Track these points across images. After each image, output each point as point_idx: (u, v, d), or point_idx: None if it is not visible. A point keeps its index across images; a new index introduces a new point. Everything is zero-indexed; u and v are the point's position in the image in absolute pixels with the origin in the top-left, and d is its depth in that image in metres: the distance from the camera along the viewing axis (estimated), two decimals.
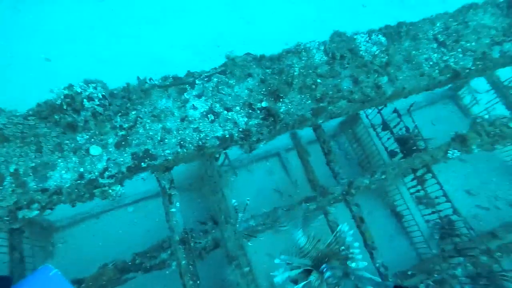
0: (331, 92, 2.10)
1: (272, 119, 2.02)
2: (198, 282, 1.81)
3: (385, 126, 3.30)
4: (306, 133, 3.84)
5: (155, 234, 3.49)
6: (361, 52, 2.31)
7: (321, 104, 2.10)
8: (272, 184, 3.88)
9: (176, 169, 3.62)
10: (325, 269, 1.97)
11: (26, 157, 1.79)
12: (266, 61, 2.24)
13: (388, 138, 3.41)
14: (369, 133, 3.79)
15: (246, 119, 1.99)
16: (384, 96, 2.26)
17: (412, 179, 3.21)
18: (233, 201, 2.47)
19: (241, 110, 2.02)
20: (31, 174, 1.75)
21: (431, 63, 2.28)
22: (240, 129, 1.96)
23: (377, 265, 2.46)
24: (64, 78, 2.14)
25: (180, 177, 3.73)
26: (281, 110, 2.06)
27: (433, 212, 3.04)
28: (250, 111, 2.01)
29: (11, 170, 1.75)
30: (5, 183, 1.71)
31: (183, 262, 1.82)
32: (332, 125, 4.36)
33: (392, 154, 3.34)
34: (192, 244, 2.36)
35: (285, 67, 2.18)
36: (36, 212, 1.73)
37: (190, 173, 3.63)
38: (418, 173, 3.12)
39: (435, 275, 2.57)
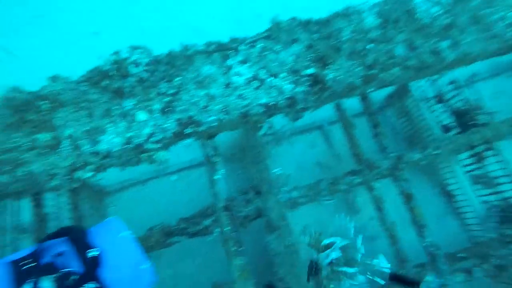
0: (383, 59, 1.94)
1: (319, 86, 1.92)
2: (241, 248, 1.82)
3: (440, 98, 3.05)
4: (351, 105, 3.68)
5: (197, 203, 3.60)
6: (419, 14, 2.10)
7: (372, 71, 1.95)
8: (314, 157, 3.80)
9: (217, 140, 3.65)
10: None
11: (80, 121, 1.86)
12: (313, 26, 2.12)
13: (442, 112, 3.16)
14: (419, 106, 3.54)
15: (292, 86, 1.91)
16: (444, 63, 2.06)
17: (469, 157, 2.97)
18: (276, 169, 2.44)
19: (287, 77, 1.94)
20: (84, 138, 1.83)
21: (506, 22, 2.00)
22: (286, 97, 1.89)
23: (426, 244, 2.34)
24: (110, 49, 2.18)
25: (221, 148, 3.76)
26: (329, 77, 1.95)
27: (492, 194, 2.80)
28: (296, 77, 1.92)
29: (67, 134, 1.83)
30: (62, 146, 1.80)
31: (227, 228, 1.84)
32: (378, 98, 4.13)
33: (446, 129, 3.09)
34: (235, 213, 2.39)
35: (334, 32, 2.04)
36: (90, 174, 1.81)
37: (232, 144, 3.64)
38: (477, 150, 2.87)
39: (493, 260, 2.40)
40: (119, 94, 1.88)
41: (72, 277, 1.32)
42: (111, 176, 3.76)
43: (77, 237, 1.45)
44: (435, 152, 2.51)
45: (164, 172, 3.74)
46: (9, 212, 2.42)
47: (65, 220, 2.90)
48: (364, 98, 2.64)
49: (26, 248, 1.55)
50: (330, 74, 1.95)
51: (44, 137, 1.83)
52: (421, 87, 3.25)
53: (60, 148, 1.81)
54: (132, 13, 4.75)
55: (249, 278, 1.79)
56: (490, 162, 2.76)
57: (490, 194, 2.80)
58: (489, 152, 2.72)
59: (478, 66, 2.61)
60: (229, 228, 1.86)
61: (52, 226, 2.64)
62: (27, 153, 1.81)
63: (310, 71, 1.91)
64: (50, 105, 1.89)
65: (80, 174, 1.79)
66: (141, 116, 1.86)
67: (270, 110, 1.89)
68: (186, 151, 3.82)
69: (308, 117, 4.03)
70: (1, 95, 1.83)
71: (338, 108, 3.36)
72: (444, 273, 2.27)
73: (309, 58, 1.93)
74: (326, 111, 3.99)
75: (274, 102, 1.88)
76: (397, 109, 3.90)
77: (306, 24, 2.11)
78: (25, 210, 2.60)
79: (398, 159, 2.46)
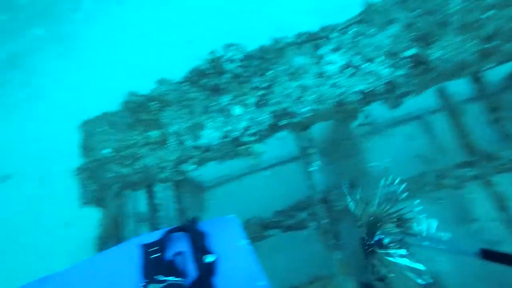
0: (509, 26, 1.65)
1: (422, 67, 1.74)
2: (340, 242, 1.75)
3: None
4: (457, 90, 3.25)
5: (291, 198, 3.63)
6: None
7: (491, 44, 1.68)
8: (413, 151, 3.47)
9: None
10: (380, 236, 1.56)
11: (182, 118, 2.03)
12: (412, 2, 1.93)
13: None
14: None
15: (390, 70, 1.77)
16: None
17: None
18: (374, 163, 2.29)
19: (384, 61, 1.80)
20: (187, 133, 1.98)
21: None
22: (384, 82, 1.75)
23: None
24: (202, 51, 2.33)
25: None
26: (434, 57, 1.75)
27: None
28: (395, 60, 1.77)
29: (173, 130, 2.01)
30: (169, 141, 1.99)
31: (324, 221, 1.80)
32: (493, 80, 3.56)
33: None
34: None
35: (438, 5, 1.82)
36: (194, 166, 1.96)
37: (323, 138, 3.56)
38: None
39: None
40: (216, 90, 1.99)
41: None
42: (209, 172, 4.05)
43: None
44: None
45: (257, 167, 3.85)
46: (130, 202, 2.77)
47: (171, 211, 3.21)
48: (477, 79, 2.30)
49: (152, 233, 1.61)
50: (435, 53, 1.75)
51: (154, 134, 2.04)
52: None
53: (167, 143, 2.00)
54: (219, 20, 5.07)
55: (350, 273, 1.71)
56: None
57: None
58: None
59: None
60: (327, 220, 1.80)
61: (162, 216, 2.95)
62: (142, 148, 2.05)
63: (411, 52, 1.74)
64: (158, 105, 2.10)
65: (184, 167, 1.95)
66: (237, 110, 1.94)
67: (368, 97, 1.78)
68: (278, 146, 3.89)
69: (405, 107, 3.72)
70: (123, 100, 2.10)
71: (442, 93, 3.01)
72: None
73: (409, 38, 1.76)
74: (426, 99, 3.62)
75: (371, 89, 1.77)
76: None
77: (404, 1, 1.94)
78: (141, 200, 2.97)
79: None
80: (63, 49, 5.83)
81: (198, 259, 1.32)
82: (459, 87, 3.25)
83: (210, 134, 1.93)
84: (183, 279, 1.26)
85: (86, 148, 2.38)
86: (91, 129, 2.37)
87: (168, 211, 3.16)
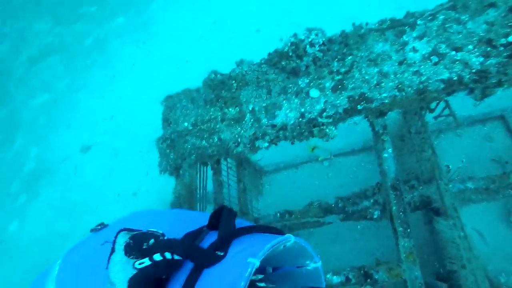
0: None
1: None
2: (409, 230, 1.74)
3: None
4: None
5: (348, 189, 3.61)
6: None
7: None
8: (489, 153, 3.24)
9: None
10: None
11: (260, 98, 2.13)
12: None
13: None
14: None
15: (482, 58, 1.69)
16: None
17: None
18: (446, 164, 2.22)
19: (475, 49, 1.73)
20: (263, 112, 2.09)
21: None
22: (473, 71, 1.69)
23: None
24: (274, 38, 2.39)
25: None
26: None
27: None
28: (489, 48, 1.69)
29: (250, 108, 2.13)
30: (246, 118, 2.11)
31: (394, 208, 1.79)
32: None
33: None
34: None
35: None
36: (267, 144, 2.05)
37: (389, 133, 3.47)
38: None
39: None
40: (295, 73, 2.06)
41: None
42: (269, 158, 4.17)
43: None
44: None
45: (316, 157, 3.88)
46: (199, 176, 2.98)
47: (233, 190, 3.37)
48: None
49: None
50: None
51: (232, 111, 2.18)
52: None
53: (244, 120, 2.12)
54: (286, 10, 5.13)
55: (416, 261, 1.70)
56: None
57: None
58: None
59: None
60: (396, 207, 1.80)
61: (225, 192, 3.12)
62: (220, 123, 2.20)
63: (510, 39, 1.65)
64: (237, 84, 2.23)
65: (259, 143, 2.05)
66: (314, 93, 2.00)
67: (452, 86, 1.73)
68: (339, 138, 3.87)
69: (484, 105, 3.49)
70: (205, 78, 2.27)
71: None
72: None
73: (509, 24, 1.67)
74: (508, 97, 3.36)
75: (457, 77, 1.71)
76: None
77: None
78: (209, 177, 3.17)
79: None
80: (141, 35, 6.31)
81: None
82: None
83: (286, 114, 2.01)
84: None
85: (167, 120, 2.61)
86: (172, 104, 2.59)
87: (231, 188, 3.34)
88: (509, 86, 1.65)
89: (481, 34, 1.72)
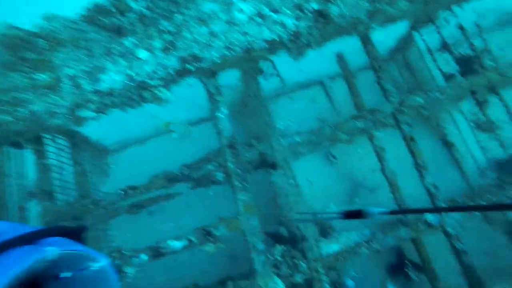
0: None
1: (323, 21, 1.87)
2: (247, 185, 1.84)
3: (445, 45, 2.99)
4: (353, 59, 3.62)
5: (199, 155, 3.63)
6: None
7: (377, 5, 1.90)
8: (315, 113, 3.78)
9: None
10: None
11: (79, 61, 1.82)
12: None
13: (446, 61, 3.11)
14: (423, 58, 3.49)
15: (295, 21, 1.86)
16: None
17: (472, 104, 2.96)
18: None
19: (290, 12, 1.88)
20: (85, 77, 1.79)
21: None
22: (290, 32, 1.84)
23: (427, 184, 2.37)
24: None
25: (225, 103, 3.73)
26: (333, 12, 1.89)
27: (493, 140, 2.81)
28: (300, 13, 1.87)
29: (67, 73, 1.80)
30: (64, 84, 1.78)
31: (231, 165, 1.85)
32: (381, 53, 4.06)
33: (449, 77, 3.06)
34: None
35: None
36: (93, 114, 1.79)
37: (232, 100, 3.61)
38: (480, 96, 2.86)
39: (492, 198, 2.44)
40: (119, 32, 1.83)
41: None
42: (113, 135, 3.77)
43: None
44: (438, 96, 2.50)
45: (165, 130, 3.73)
46: (13, 162, 2.41)
47: (69, 174, 2.91)
48: (367, 43, 2.59)
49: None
50: (335, 8, 1.89)
51: (44, 76, 1.80)
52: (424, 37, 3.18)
53: (60, 87, 1.78)
54: None
55: (254, 214, 1.82)
56: (492, 108, 2.76)
57: (491, 140, 2.81)
58: (493, 97, 2.71)
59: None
60: (233, 165, 1.87)
61: (55, 178, 2.65)
62: (27, 92, 1.79)
63: (314, 6, 1.85)
64: (48, 44, 1.84)
65: (82, 113, 1.77)
66: (142, 54, 1.82)
67: (274, 45, 1.85)
68: (186, 109, 3.81)
69: (309, 72, 3.99)
70: None
71: (340, 59, 3.32)
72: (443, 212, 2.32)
73: None
74: (327, 66, 3.96)
75: (277, 37, 1.84)
76: (400, 62, 3.85)
77: None
78: (28, 162, 2.61)
79: (401, 103, 2.45)
80: None
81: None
82: (353, 56, 3.63)
83: (112, 78, 1.78)
84: None
85: None
86: None
87: (64, 174, 2.87)
88: (316, 47, 1.87)
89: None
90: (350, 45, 3.91)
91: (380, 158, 2.61)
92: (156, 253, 1.71)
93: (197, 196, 3.54)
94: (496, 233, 3.39)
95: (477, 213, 2.41)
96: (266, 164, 2.29)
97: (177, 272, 3.25)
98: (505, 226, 3.14)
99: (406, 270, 3.05)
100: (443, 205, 2.40)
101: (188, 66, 1.81)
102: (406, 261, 3.07)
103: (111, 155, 3.74)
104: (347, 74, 3.20)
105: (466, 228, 3.28)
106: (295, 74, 3.91)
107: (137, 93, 1.78)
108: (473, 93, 2.85)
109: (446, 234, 2.43)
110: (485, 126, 2.80)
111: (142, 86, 1.77)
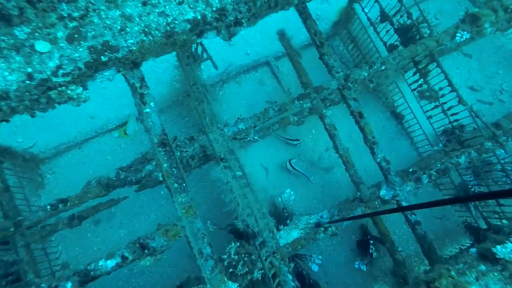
0: None
1: None
2: (184, 185, 1.65)
3: (384, 15, 2.93)
4: (295, 37, 3.48)
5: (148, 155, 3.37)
6: None
7: None
8: (264, 95, 3.63)
9: (161, 90, 3.34)
10: None
11: None
12: None
13: (387, 31, 3.07)
14: (365, 29, 3.43)
15: None
16: None
17: (414, 73, 2.96)
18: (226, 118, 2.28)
19: None
20: None
21: None
22: (214, 8, 1.63)
23: (379, 160, 2.33)
24: None
25: (166, 97, 3.48)
26: None
27: (436, 106, 2.84)
28: None
29: None
30: None
31: (165, 165, 1.65)
32: (325, 27, 3.97)
33: (391, 48, 3.02)
34: (178, 154, 2.19)
35: None
36: None
37: (176, 91, 3.36)
38: (421, 65, 2.86)
39: (438, 164, 2.45)
40: (7, 20, 1.52)
41: None
42: (44, 142, 3.38)
43: None
44: (383, 68, 2.43)
45: (103, 130, 3.40)
46: None
47: None
48: (307, 18, 2.44)
49: None
50: None
51: None
52: (365, 8, 3.11)
53: None
54: None
55: (196, 215, 1.64)
56: (434, 75, 2.76)
57: (435, 107, 2.82)
58: (433, 65, 2.70)
59: None
60: (167, 164, 1.66)
61: None
62: None
63: None
64: None
65: None
66: (43, 46, 1.53)
67: (198, 25, 1.63)
68: (126, 104, 3.50)
69: (254, 54, 3.80)
70: None
71: (282, 37, 3.16)
72: (396, 184, 2.29)
73: None
74: (272, 47, 3.79)
75: (201, 16, 1.63)
76: (344, 36, 3.77)
77: None
78: None
79: (346, 78, 2.35)
80: None
81: None
82: (295, 34, 3.49)
83: (6, 78, 1.49)
84: None
85: None
86: None
87: None
88: (248, 24, 1.68)
89: None
90: (292, 23, 3.80)
91: (332, 137, 2.52)
92: (85, 277, 1.48)
93: (147, 197, 3.30)
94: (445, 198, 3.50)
95: (423, 181, 2.41)
96: (209, 158, 2.11)
97: (134, 279, 3.02)
98: (453, 190, 3.24)
99: (371, 246, 3.05)
100: (397, 180, 2.36)
101: (101, 57, 1.55)
102: (369, 237, 3.08)
103: (45, 163, 3.35)
104: (291, 52, 3.06)
105: (418, 195, 3.37)
106: (241, 58, 3.71)
107: (42, 94, 1.50)
108: (414, 62, 2.83)
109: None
110: (429, 95, 2.80)
111: (46, 85, 1.49)
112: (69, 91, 1.54)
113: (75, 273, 1.47)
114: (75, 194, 2.14)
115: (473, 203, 3.07)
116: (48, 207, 2.06)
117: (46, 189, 3.25)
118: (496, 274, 1.80)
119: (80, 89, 1.60)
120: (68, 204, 2.07)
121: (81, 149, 3.36)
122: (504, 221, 2.84)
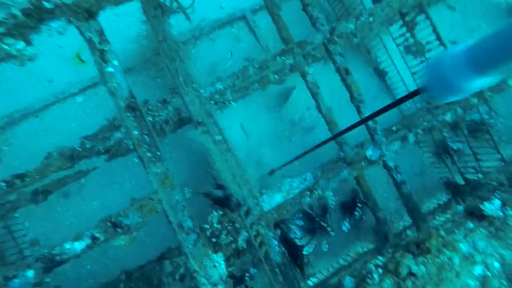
0: None
1: None
2: (159, 153, 1.46)
3: None
4: None
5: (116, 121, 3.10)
6: None
7: None
8: (241, 53, 3.36)
9: (128, 47, 3.00)
10: None
11: None
12: None
13: None
14: None
15: None
16: None
17: (401, 26, 2.80)
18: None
19: None
20: None
21: None
22: None
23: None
24: None
25: (134, 54, 3.15)
26: None
27: (422, 62, 2.72)
28: None
29: None
30: None
31: (135, 132, 1.44)
32: None
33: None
34: (150, 119, 1.97)
35: None
36: None
37: (145, 48, 3.03)
38: (408, 18, 2.69)
39: (425, 123, 2.38)
40: None
41: None
42: None
43: None
44: (370, 19, 2.24)
45: (64, 95, 3.07)
46: None
47: None
48: None
49: None
50: None
51: None
52: None
53: None
54: None
55: (174, 187, 1.47)
56: (421, 28, 2.61)
57: (421, 62, 2.70)
58: (421, 16, 2.53)
59: None
60: (138, 132, 1.46)
61: None
62: None
63: None
64: None
65: None
66: None
67: None
68: (89, 66, 3.14)
69: (229, 8, 3.48)
70: None
71: None
72: (383, 144, 2.20)
73: None
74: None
75: None
76: None
77: None
78: None
79: (331, 32, 2.15)
80: None
81: None
82: None
83: None
84: None
85: None
86: None
87: None
88: None
89: None
90: None
91: (314, 95, 2.37)
92: (50, 263, 1.31)
93: (120, 165, 3.07)
94: (425, 155, 3.52)
95: (409, 140, 2.34)
96: (185, 121, 1.91)
97: (110, 255, 2.89)
98: (433, 147, 3.24)
99: (357, 209, 3.05)
100: (384, 140, 2.28)
101: (43, 3, 1.27)
102: (356, 200, 3.06)
103: (0, 135, 3.01)
104: (270, 5, 2.78)
105: (400, 154, 3.35)
106: (214, 12, 3.37)
107: None
108: (402, 14, 2.66)
109: (386, 167, 2.36)
110: (415, 49, 2.66)
111: None
112: (5, 46, 1.27)
113: (37, 259, 1.29)
114: (35, 168, 1.90)
115: (450, 159, 3.09)
116: (3, 184, 1.83)
117: (3, 163, 2.94)
118: (482, 230, 1.79)
119: (21, 44, 1.32)
120: (27, 179, 1.84)
121: (39, 117, 3.03)
122: (480, 175, 2.87)
